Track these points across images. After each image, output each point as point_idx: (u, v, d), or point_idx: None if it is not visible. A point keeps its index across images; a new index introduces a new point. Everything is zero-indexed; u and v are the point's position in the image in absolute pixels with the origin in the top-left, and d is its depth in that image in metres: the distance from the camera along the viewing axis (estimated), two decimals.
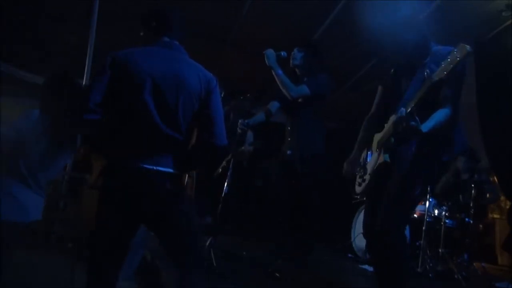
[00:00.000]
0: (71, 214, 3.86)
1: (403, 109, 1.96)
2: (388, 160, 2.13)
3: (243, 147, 5.39)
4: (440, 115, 1.98)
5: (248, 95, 3.65)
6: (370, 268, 4.04)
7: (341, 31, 4.68)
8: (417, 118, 1.91)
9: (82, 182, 4.39)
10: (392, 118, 2.10)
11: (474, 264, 4.26)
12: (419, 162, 2.09)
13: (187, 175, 2.74)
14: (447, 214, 4.22)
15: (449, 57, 1.80)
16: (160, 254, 2.67)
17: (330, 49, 5.11)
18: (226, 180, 3.46)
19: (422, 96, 1.92)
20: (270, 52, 3.22)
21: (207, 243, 3.08)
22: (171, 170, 1.67)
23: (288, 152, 3.55)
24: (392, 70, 2.41)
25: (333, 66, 5.42)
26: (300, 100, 3.38)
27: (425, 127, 1.94)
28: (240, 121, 3.49)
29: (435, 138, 2.03)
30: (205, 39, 4.72)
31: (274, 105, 3.57)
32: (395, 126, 2.02)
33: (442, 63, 1.83)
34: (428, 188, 4.06)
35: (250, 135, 5.51)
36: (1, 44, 4.66)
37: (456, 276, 3.87)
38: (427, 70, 1.90)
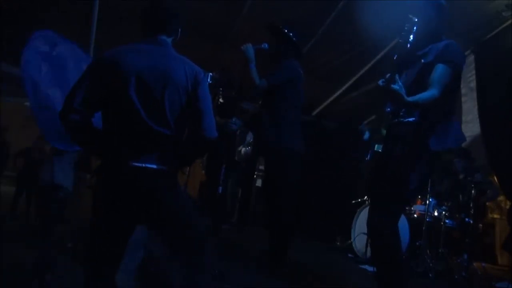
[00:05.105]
0: (71, 214, 3.87)
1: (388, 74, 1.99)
2: (380, 150, 2.13)
3: (241, 148, 5.37)
4: (425, 93, 2.05)
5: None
6: (370, 268, 4.04)
7: (341, 30, 4.68)
8: (400, 83, 1.94)
9: (82, 182, 4.41)
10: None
11: (474, 264, 4.26)
12: (409, 155, 2.12)
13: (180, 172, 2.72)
14: (447, 214, 4.21)
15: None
16: (160, 254, 2.69)
17: (330, 49, 5.13)
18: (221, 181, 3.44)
19: (414, 78, 2.09)
20: (247, 47, 3.19)
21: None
22: (161, 167, 1.65)
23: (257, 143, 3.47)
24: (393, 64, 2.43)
25: (333, 66, 5.45)
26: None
27: (410, 98, 1.99)
28: (233, 119, 3.47)
29: (424, 128, 2.10)
30: (204, 37, 4.72)
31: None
32: (381, 88, 2.01)
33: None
34: (429, 187, 4.07)
35: (249, 134, 5.46)
36: (1, 44, 4.66)
37: (456, 276, 3.87)
38: (422, 60, 2.07)
